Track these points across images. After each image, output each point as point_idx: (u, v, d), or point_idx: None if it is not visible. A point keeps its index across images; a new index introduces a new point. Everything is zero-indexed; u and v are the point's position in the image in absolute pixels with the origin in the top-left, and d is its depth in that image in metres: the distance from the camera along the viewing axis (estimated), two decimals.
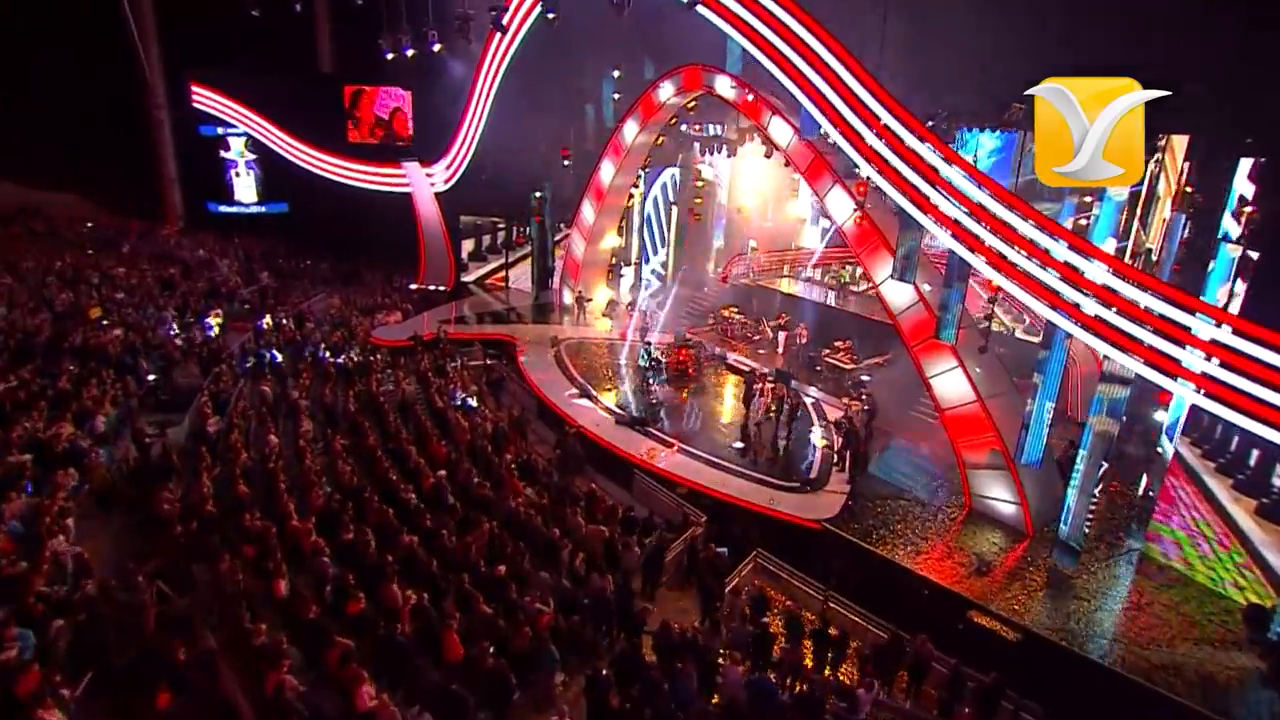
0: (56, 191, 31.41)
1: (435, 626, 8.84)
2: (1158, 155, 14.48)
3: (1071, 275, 9.58)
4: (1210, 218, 12.86)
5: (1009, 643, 9.73)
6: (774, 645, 9.69)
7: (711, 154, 22.46)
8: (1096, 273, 9.31)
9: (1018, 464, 12.00)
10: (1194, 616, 10.09)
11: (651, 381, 17.92)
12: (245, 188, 31.98)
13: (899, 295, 13.17)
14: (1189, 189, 14.18)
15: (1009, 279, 10.26)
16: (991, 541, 12.18)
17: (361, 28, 25.10)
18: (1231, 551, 10.75)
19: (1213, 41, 12.44)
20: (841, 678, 9.85)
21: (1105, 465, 10.65)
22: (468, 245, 28.34)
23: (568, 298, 23.89)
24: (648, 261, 26.33)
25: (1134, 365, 9.26)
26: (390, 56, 19.80)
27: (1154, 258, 14.73)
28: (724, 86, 16.80)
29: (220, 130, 30.69)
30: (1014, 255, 10.12)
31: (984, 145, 17.57)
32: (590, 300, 23.40)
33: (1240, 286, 10.96)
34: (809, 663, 9.81)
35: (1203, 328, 8.76)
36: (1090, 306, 9.33)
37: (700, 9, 14.13)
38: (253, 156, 31.23)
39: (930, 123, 11.67)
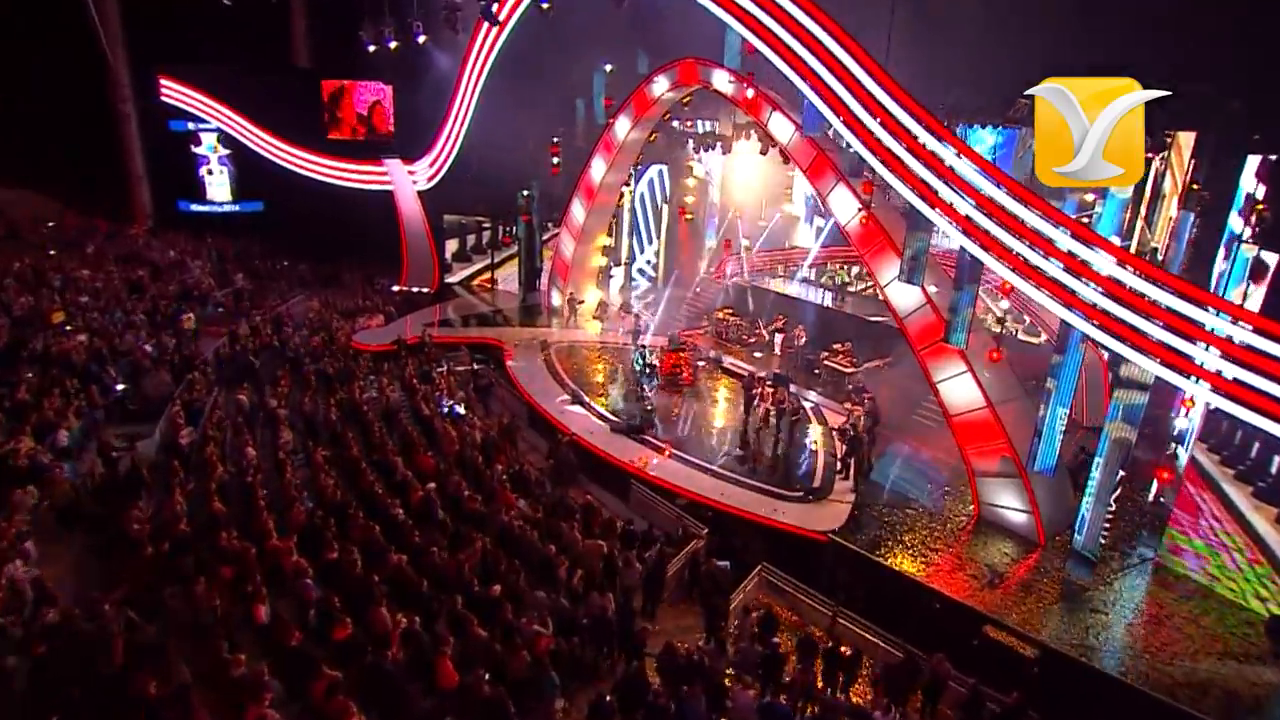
0: (15, 189, 30.42)
1: (427, 652, 8.49)
2: (1164, 153, 14.46)
3: (1091, 275, 9.42)
4: (1218, 217, 12.88)
5: (1026, 659, 9.52)
6: (784, 666, 9.39)
7: (704, 151, 22.22)
8: (1118, 272, 9.17)
9: (1029, 471, 11.84)
10: (1215, 629, 9.97)
11: (646, 386, 17.61)
12: (218, 186, 31.26)
13: (905, 298, 13.00)
14: (1195, 186, 14.19)
15: (1026, 279, 10.08)
16: (1002, 551, 12.03)
17: (339, 20, 24.69)
18: (1257, 564, 10.66)
19: (1221, 36, 12.42)
20: (854, 698, 9.59)
21: (1122, 473, 10.50)
22: (452, 245, 27.96)
23: (556, 299, 23.56)
24: (634, 261, 26.04)
25: (1150, 366, 9.13)
26: (372, 49, 19.34)
27: (1160, 257, 14.68)
28: (722, 81, 16.55)
29: (191, 125, 29.97)
30: (1031, 254, 9.94)
31: (985, 141, 17.47)
32: (582, 302, 23.10)
33: (1254, 288, 10.86)
34: (820, 683, 9.53)
35: (1221, 325, 8.68)
36: (1110, 306, 9.18)
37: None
38: (226, 153, 30.52)
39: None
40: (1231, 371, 8.55)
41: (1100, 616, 10.32)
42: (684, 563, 11.84)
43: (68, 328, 18.40)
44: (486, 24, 20.53)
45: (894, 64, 12.46)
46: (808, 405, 16.91)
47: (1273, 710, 8.69)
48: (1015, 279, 10.32)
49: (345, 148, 27.91)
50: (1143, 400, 9.84)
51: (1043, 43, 14.42)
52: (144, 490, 11.62)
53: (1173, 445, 11.01)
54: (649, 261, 26.49)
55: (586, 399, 17.27)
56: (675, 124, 21.23)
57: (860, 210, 13.36)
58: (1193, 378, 8.86)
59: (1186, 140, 14.19)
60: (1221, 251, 12.45)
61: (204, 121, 29.81)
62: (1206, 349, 8.64)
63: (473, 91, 22.28)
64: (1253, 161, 11.81)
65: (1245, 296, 10.82)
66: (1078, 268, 9.61)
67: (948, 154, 10.83)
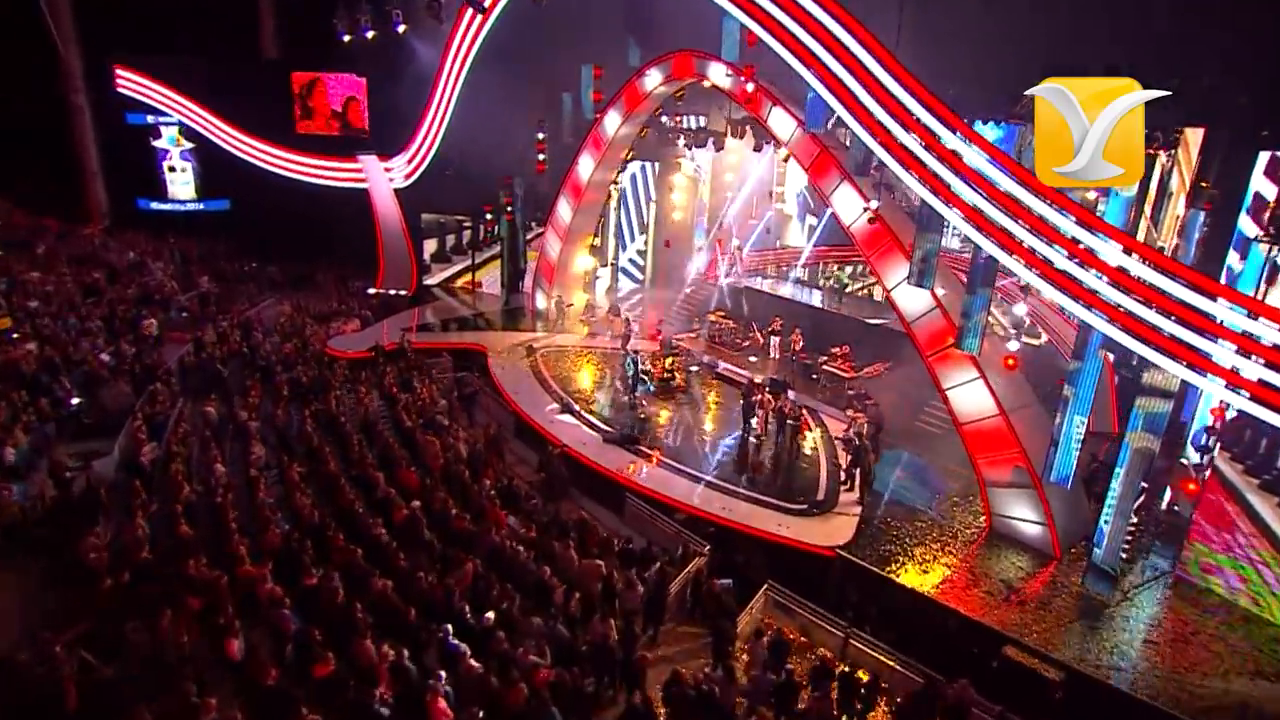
0: None
1: (417, 688, 8.14)
2: (1171, 151, 14.39)
3: (1118, 276, 9.26)
4: (1229, 215, 12.85)
5: (1050, 682, 9.28)
6: (798, 695, 9.04)
7: (695, 148, 21.90)
8: (1148, 273, 9.03)
9: (1044, 482, 11.65)
10: (1244, 647, 9.84)
11: (639, 393, 17.26)
12: (181, 183, 30.45)
13: (914, 301, 12.79)
14: (1204, 184, 14.17)
15: (1047, 279, 9.89)
16: (1016, 565, 11.84)
17: (310, 8, 23.99)
18: None
19: (1231, 28, 12.37)
20: None
21: (1145, 486, 10.34)
22: (430, 245, 27.42)
23: (541, 302, 23.15)
24: (619, 259, 25.72)
25: (1179, 370, 8.98)
26: (347, 39, 18.70)
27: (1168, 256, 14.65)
28: (719, 75, 16.25)
29: (150, 118, 29.11)
30: (1053, 253, 9.75)
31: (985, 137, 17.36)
32: (571, 305, 22.74)
33: (1272, 290, 10.78)
34: (836, 712, 9.21)
35: (1242, 322, 8.59)
36: (1140, 310, 9.04)
37: None
38: (188, 147, 29.67)
39: None
40: (1258, 373, 8.45)
41: (1121, 634, 10.15)
42: (685, 582, 11.47)
43: (15, 335, 17.61)
44: (471, 11, 20.04)
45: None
46: (806, 412, 16.62)
47: None
48: (1035, 279, 10.10)
49: (318, 143, 27.40)
50: (1167, 408, 9.68)
51: (1047, 35, 14.36)
52: (101, 514, 11.12)
53: (1199, 455, 10.85)
54: (632, 260, 26.05)
55: (576, 407, 16.85)
56: (665, 119, 20.90)
57: (866, 210, 13.10)
58: (1225, 383, 8.73)
59: (1194, 136, 14.16)
60: (1234, 254, 12.38)
61: (164, 115, 28.97)
62: (1242, 354, 8.49)
63: (454, 84, 21.80)
64: (1263, 159, 11.76)
65: (1264, 298, 10.72)
66: (1104, 269, 9.42)
67: (965, 148, 10.59)
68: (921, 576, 11.44)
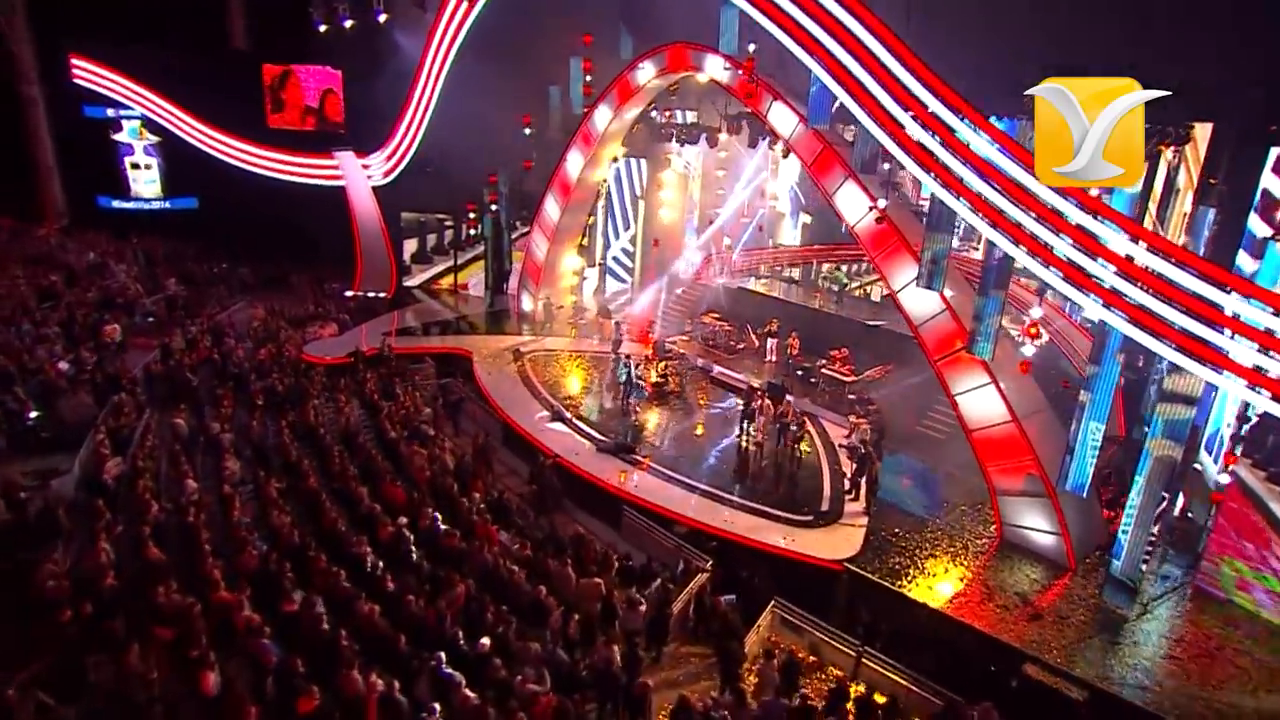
0: None
1: None
2: (1179, 148, 14.37)
3: (1128, 267, 9.14)
4: (1237, 212, 12.83)
5: (1075, 702, 9.11)
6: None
7: (686, 145, 21.63)
8: (1174, 272, 8.93)
9: (1059, 490, 11.51)
10: (1270, 662, 9.75)
11: (632, 399, 16.94)
12: (145, 181, 29.61)
13: (922, 304, 12.63)
14: (1212, 181, 14.17)
15: (1066, 278, 9.74)
16: (1030, 577, 11.72)
17: None
18: None
19: (1242, 21, 12.34)
20: None
21: (1166, 497, 10.21)
22: (410, 246, 26.95)
23: (527, 304, 22.76)
24: (608, 252, 25.43)
25: (1204, 373, 8.87)
26: (323, 29, 18.15)
27: None
28: (716, 68, 15.98)
29: (110, 112, 28.23)
30: (1075, 253, 9.61)
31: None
32: (561, 307, 22.39)
33: None
34: None
35: (1265, 318, 8.56)
36: (1167, 312, 8.94)
37: None
38: (153, 141, 28.80)
39: None
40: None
41: (1142, 649, 10.04)
42: (688, 600, 11.17)
43: None
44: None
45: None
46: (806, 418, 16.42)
47: None
48: (1054, 278, 9.95)
49: (291, 139, 26.81)
50: (1189, 415, 9.56)
51: (1053, 27, 14.28)
52: (61, 537, 10.58)
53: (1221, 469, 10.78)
54: (616, 259, 25.71)
55: (568, 415, 16.49)
56: (655, 115, 20.61)
57: (872, 209, 12.90)
58: (1246, 382, 8.65)
59: (1202, 132, 14.15)
60: (1245, 255, 12.33)
61: (126, 108, 28.12)
62: (1264, 351, 8.41)
63: (437, 76, 21.36)
64: (1274, 154, 11.72)
65: None
66: (1118, 261, 9.29)
67: (976, 137, 10.42)
68: (933, 590, 11.27)
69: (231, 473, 12.82)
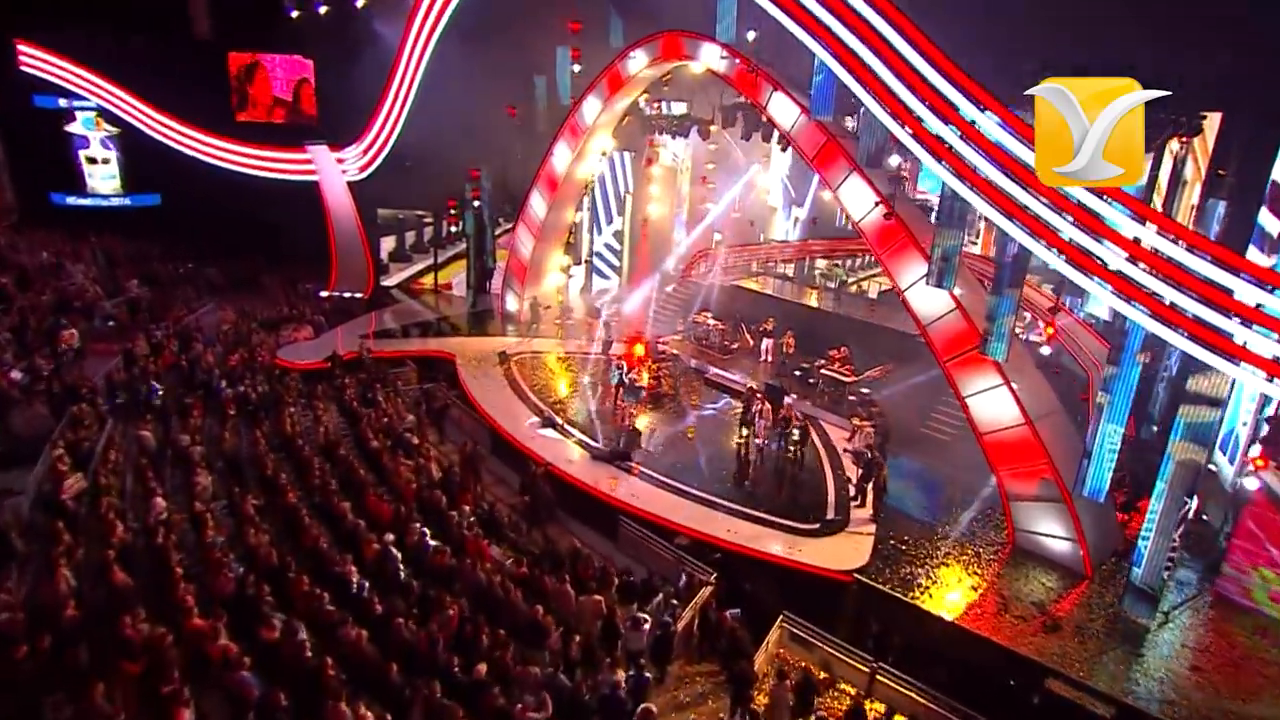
0: None
1: None
2: (1188, 139, 14.35)
3: (1144, 254, 9.01)
4: (1247, 205, 12.81)
5: (1102, 719, 8.93)
6: None
7: (676, 137, 21.35)
8: (1182, 255, 8.86)
9: (1075, 495, 11.37)
10: None
11: (626, 403, 16.62)
12: (103, 175, 28.74)
13: (930, 303, 12.45)
14: (1221, 173, 14.16)
15: (1088, 273, 9.60)
16: (1046, 585, 11.59)
17: None
18: None
19: (1258, 9, 12.30)
20: None
21: (1188, 502, 10.10)
22: (388, 243, 26.51)
23: (512, 304, 22.38)
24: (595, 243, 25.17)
25: (1236, 373, 8.76)
26: (295, 15, 17.58)
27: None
28: (712, 56, 15.68)
29: (63, 102, 27.32)
30: (1094, 245, 9.46)
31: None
32: (548, 307, 22.03)
33: None
34: None
35: None
36: (1198, 309, 8.85)
37: None
38: (110, 132, 27.89)
39: None
40: None
41: (1165, 660, 9.93)
42: (693, 616, 10.88)
43: None
44: None
45: None
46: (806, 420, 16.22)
47: None
48: (1075, 273, 9.80)
49: (261, 132, 26.28)
50: (1214, 417, 9.45)
51: (1059, 20, 14.22)
52: (14, 564, 10.00)
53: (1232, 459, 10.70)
54: (599, 254, 25.39)
55: (559, 421, 16.14)
56: (643, 106, 20.30)
57: (878, 204, 12.68)
58: (1266, 375, 8.57)
59: (1211, 123, 14.15)
60: (1255, 249, 12.31)
61: (80, 98, 27.22)
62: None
63: (416, 65, 20.89)
64: None
65: None
66: (1151, 260, 9.14)
67: (991, 124, 10.24)
68: (947, 601, 11.08)
69: (203, 489, 12.34)
